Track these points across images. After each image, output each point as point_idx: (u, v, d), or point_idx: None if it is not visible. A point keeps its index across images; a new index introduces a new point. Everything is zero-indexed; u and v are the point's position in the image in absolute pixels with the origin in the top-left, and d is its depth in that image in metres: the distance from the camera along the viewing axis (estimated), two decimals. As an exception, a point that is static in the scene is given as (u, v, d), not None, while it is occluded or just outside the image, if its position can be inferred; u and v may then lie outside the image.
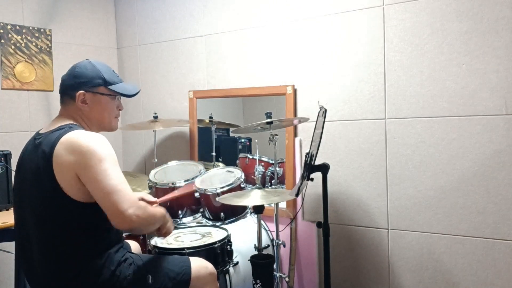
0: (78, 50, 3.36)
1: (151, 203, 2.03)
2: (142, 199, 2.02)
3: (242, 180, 2.60)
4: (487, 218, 2.23)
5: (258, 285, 2.22)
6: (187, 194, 2.53)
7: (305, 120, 2.56)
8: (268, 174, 2.85)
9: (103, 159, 1.61)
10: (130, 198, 1.58)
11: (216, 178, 2.68)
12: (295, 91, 2.75)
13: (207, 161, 3.09)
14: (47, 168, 1.63)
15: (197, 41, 3.18)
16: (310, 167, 2.05)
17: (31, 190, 1.70)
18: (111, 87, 1.81)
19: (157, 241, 2.29)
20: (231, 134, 3.19)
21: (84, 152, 1.61)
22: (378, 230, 2.53)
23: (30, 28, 3.09)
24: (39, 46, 3.13)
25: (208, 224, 2.57)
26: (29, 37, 3.08)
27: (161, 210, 1.81)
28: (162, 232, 1.86)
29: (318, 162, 2.08)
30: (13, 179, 2.07)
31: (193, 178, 2.67)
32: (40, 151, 1.67)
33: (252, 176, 2.79)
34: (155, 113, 3.10)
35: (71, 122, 1.77)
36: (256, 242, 2.35)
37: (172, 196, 2.27)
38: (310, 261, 2.74)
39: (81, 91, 1.76)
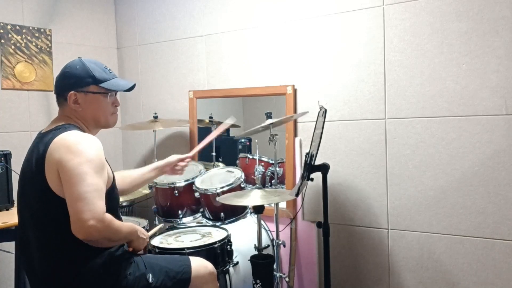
0: (78, 50, 3.36)
1: (183, 159, 2.22)
2: (178, 159, 2.23)
3: (242, 180, 2.60)
4: (487, 218, 2.23)
5: (258, 285, 2.22)
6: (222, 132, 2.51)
7: (305, 113, 2.56)
8: (268, 174, 2.85)
9: (83, 163, 1.58)
10: (95, 209, 1.52)
11: (216, 178, 2.68)
12: (295, 91, 2.75)
13: (207, 161, 3.09)
14: (40, 168, 1.63)
15: (197, 41, 3.18)
16: (310, 167, 2.05)
17: (29, 189, 1.70)
18: (102, 84, 1.78)
19: (157, 241, 2.29)
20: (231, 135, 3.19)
21: (68, 152, 1.59)
22: (378, 230, 2.53)
23: (30, 28, 3.09)
24: (39, 46, 3.13)
25: (208, 224, 2.57)
26: (29, 37, 3.08)
27: (130, 227, 1.75)
28: (130, 248, 1.82)
29: (318, 162, 2.08)
30: (14, 179, 2.08)
31: (193, 178, 2.68)
32: (35, 151, 1.68)
33: (252, 176, 2.79)
34: (155, 113, 3.10)
35: (68, 122, 1.76)
36: (256, 242, 2.35)
37: (210, 139, 2.36)
38: (310, 261, 2.74)
39: (72, 92, 1.75)
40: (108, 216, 1.59)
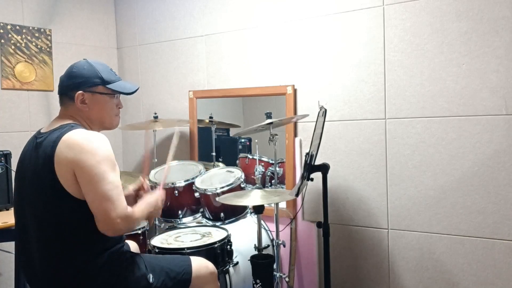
0: (78, 50, 3.36)
1: (142, 189, 2.01)
2: (137, 190, 2.00)
3: (242, 180, 2.60)
4: (487, 218, 2.23)
5: (258, 285, 2.22)
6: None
7: (305, 116, 2.56)
8: (268, 174, 2.85)
9: (101, 161, 1.61)
10: (120, 206, 1.59)
11: (216, 178, 2.68)
12: (295, 91, 2.75)
13: (207, 161, 3.09)
14: (48, 167, 1.62)
15: (197, 41, 3.18)
16: (310, 167, 2.05)
17: (31, 189, 1.70)
18: (109, 85, 1.80)
19: (157, 241, 2.29)
20: (231, 135, 3.19)
21: (83, 151, 1.61)
22: (378, 230, 2.53)
23: (30, 28, 3.09)
24: (39, 46, 3.13)
25: (208, 224, 2.57)
26: (29, 37, 3.08)
27: (148, 207, 1.78)
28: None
29: (318, 162, 2.08)
30: (13, 179, 2.07)
31: (193, 178, 2.68)
32: (41, 150, 1.67)
33: (252, 176, 2.79)
34: (155, 113, 3.10)
35: (72, 121, 1.76)
36: (256, 242, 2.35)
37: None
38: (310, 261, 2.74)
39: (80, 92, 1.76)
40: (130, 210, 1.65)
